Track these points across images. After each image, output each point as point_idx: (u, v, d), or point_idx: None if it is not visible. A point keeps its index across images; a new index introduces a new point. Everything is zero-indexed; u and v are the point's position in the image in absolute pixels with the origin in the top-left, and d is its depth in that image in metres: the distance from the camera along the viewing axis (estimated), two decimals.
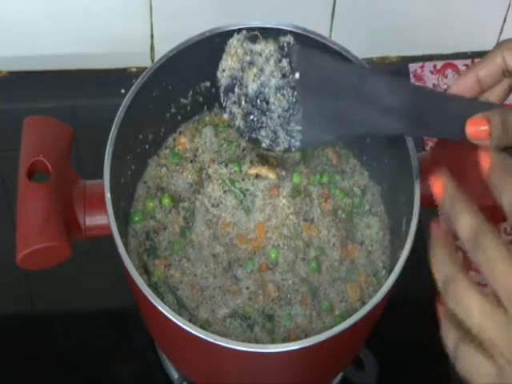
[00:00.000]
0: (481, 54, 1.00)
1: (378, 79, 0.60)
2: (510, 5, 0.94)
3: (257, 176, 0.68)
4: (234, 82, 0.59)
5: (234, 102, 0.59)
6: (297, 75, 0.59)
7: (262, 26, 0.68)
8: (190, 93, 0.72)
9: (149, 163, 0.71)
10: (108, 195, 0.61)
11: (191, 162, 0.71)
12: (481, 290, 0.47)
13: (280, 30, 0.68)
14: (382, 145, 0.69)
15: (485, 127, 0.57)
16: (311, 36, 0.68)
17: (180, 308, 0.65)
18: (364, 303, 0.64)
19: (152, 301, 0.59)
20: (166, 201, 0.69)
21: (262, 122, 0.59)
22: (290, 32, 0.67)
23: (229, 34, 0.67)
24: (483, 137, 0.57)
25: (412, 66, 0.98)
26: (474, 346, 0.48)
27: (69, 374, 0.80)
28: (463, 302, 0.48)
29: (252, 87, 0.59)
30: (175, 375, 0.80)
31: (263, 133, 0.60)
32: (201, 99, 0.73)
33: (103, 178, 0.62)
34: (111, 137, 0.64)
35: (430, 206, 0.68)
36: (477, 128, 0.57)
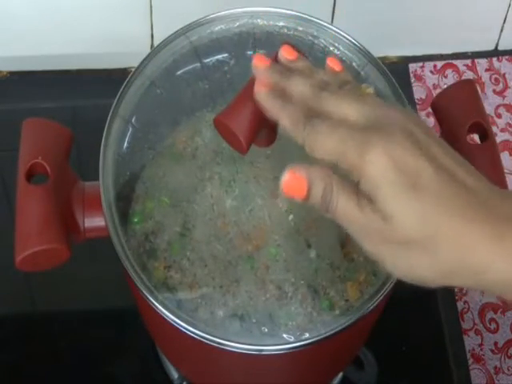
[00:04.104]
0: (481, 54, 1.00)
1: None
2: (510, 5, 0.94)
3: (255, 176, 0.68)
4: None
5: None
6: None
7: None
8: (189, 92, 0.72)
9: (147, 163, 0.71)
10: (105, 197, 0.61)
11: (190, 161, 0.71)
12: None
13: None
14: None
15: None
16: (314, 20, 0.68)
17: (179, 309, 0.65)
18: (364, 302, 0.64)
19: (151, 302, 0.59)
20: (165, 201, 0.69)
21: None
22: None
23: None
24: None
25: (412, 66, 0.98)
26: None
27: (69, 374, 0.81)
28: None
29: None
30: (175, 375, 0.80)
31: None
32: (200, 98, 0.72)
33: (99, 179, 0.62)
34: (105, 136, 0.64)
35: None
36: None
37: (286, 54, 0.56)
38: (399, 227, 0.48)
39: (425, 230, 0.48)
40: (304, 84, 0.53)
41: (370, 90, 0.58)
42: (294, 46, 0.57)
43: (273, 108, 0.53)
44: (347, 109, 0.51)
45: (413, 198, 0.48)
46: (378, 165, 0.48)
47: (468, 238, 0.47)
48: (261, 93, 0.54)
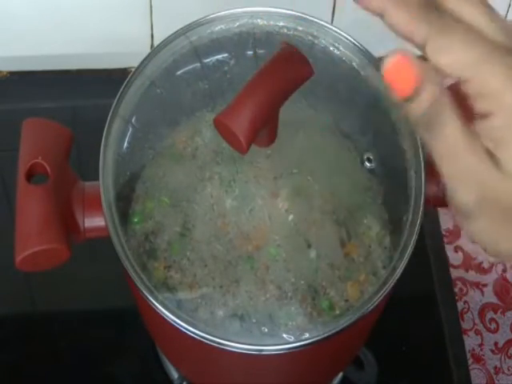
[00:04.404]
0: None
1: None
2: (510, 5, 0.94)
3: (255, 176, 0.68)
4: None
5: None
6: None
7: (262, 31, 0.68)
8: (189, 92, 0.72)
9: (147, 163, 0.71)
10: (105, 197, 0.61)
11: (190, 161, 0.71)
12: None
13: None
14: (383, 143, 0.69)
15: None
16: (314, 20, 0.68)
17: (179, 309, 0.65)
18: (364, 302, 0.64)
19: (151, 302, 0.59)
20: (165, 201, 0.69)
21: None
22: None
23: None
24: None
25: None
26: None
27: (69, 374, 0.81)
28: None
29: None
30: (175, 375, 0.80)
31: None
32: (200, 98, 0.72)
33: (99, 179, 0.62)
34: (105, 136, 0.64)
35: (430, 207, 0.68)
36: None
37: None
38: None
39: None
40: None
41: None
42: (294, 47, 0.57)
43: None
44: (481, 16, 0.40)
45: None
46: None
47: None
48: None
